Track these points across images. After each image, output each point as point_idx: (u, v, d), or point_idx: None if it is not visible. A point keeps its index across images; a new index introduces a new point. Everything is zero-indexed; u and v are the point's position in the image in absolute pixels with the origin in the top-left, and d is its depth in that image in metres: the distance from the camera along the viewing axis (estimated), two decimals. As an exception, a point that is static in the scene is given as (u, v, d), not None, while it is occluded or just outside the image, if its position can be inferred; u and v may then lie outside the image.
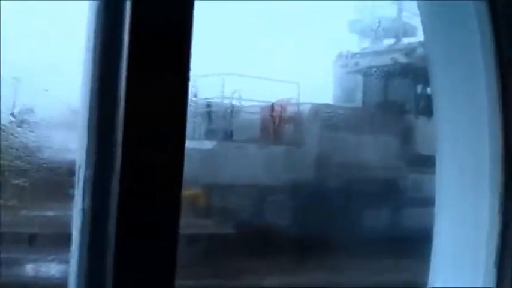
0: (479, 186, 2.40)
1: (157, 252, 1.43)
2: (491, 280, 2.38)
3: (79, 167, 1.44)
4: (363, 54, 12.26)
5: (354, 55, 12.26)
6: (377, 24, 12.82)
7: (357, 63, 12.14)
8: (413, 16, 12.95)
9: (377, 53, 11.91)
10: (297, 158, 11.46)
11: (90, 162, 1.43)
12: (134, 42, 1.39)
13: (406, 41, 12.51)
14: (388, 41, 12.79)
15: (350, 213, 10.39)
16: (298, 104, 12.20)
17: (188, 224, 8.98)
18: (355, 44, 12.90)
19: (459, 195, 2.41)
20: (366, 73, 12.10)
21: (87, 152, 1.43)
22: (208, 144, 11.27)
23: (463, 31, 2.39)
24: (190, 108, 1.47)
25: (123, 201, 1.38)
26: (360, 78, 12.22)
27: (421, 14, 2.39)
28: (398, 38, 12.70)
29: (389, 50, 11.82)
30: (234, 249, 9.16)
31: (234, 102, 12.07)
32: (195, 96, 11.73)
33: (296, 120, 11.93)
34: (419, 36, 12.20)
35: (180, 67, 1.45)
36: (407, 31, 12.79)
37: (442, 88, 2.42)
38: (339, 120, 11.93)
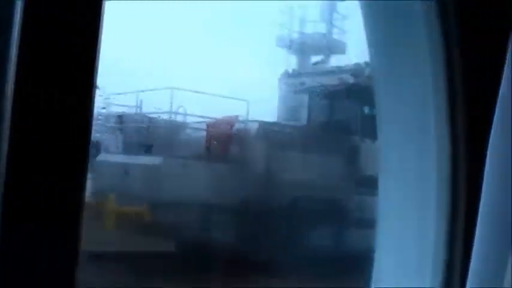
0: (424, 209, 2.29)
1: (49, 268, 1.26)
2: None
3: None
4: (309, 73, 12.23)
5: (300, 74, 12.23)
6: (306, 40, 12.84)
7: (302, 83, 12.10)
8: (343, 33, 13.07)
9: (324, 73, 11.89)
10: (241, 176, 11.32)
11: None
12: (25, 45, 1.22)
13: (335, 58, 12.59)
14: (317, 58, 12.80)
15: (294, 233, 10.30)
16: (244, 121, 12.10)
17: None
18: (290, 61, 12.94)
19: (403, 217, 2.30)
20: (312, 93, 12.06)
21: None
22: (150, 160, 11.08)
23: (409, 34, 2.28)
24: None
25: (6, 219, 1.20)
26: (305, 97, 12.17)
27: (363, 15, 2.26)
28: (327, 54, 12.73)
29: (337, 70, 11.83)
30: (169, 267, 8.98)
31: (178, 117, 11.91)
32: (140, 109, 11.54)
33: (242, 137, 11.82)
34: (349, 54, 12.32)
35: (82, 75, 1.27)
36: (337, 48, 12.84)
37: (385, 100, 2.31)
38: (286, 139, 11.86)
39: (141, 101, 11.47)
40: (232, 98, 12.18)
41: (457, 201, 2.23)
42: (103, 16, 1.26)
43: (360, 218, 10.14)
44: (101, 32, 1.26)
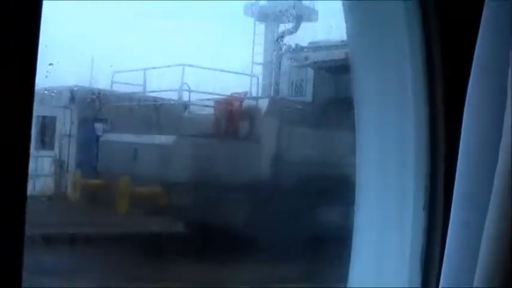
0: (404, 182, 2.30)
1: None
2: (417, 280, 2.28)
3: None
4: (313, 48, 12.04)
5: (303, 49, 12.06)
6: (275, 8, 12.55)
7: (306, 58, 11.95)
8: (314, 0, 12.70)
9: (328, 47, 11.68)
10: (251, 153, 11.31)
11: None
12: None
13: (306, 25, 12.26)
14: (287, 26, 12.46)
15: (306, 212, 10.21)
16: (254, 98, 12.06)
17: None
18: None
19: (382, 192, 2.31)
20: (317, 67, 11.90)
21: None
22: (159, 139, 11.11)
23: (390, 32, 2.28)
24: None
25: None
26: (311, 72, 12.01)
27: (345, 13, 2.26)
28: (298, 22, 12.37)
29: (341, 44, 11.70)
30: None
31: (185, 94, 11.87)
32: (144, 87, 11.49)
33: (251, 114, 11.75)
34: (320, 21, 12.01)
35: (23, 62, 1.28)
36: (308, 15, 12.57)
37: (364, 82, 2.31)
38: (295, 115, 11.80)
39: (146, 79, 11.41)
40: (243, 74, 12.13)
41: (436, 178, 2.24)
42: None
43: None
44: (40, 26, 1.27)
